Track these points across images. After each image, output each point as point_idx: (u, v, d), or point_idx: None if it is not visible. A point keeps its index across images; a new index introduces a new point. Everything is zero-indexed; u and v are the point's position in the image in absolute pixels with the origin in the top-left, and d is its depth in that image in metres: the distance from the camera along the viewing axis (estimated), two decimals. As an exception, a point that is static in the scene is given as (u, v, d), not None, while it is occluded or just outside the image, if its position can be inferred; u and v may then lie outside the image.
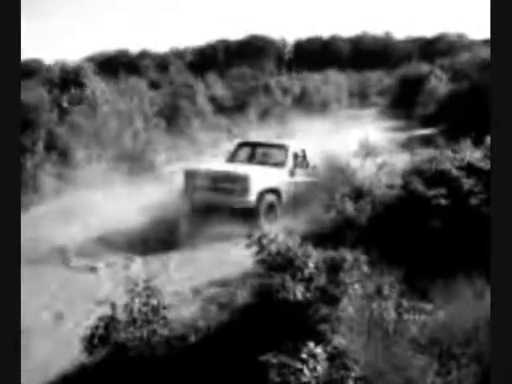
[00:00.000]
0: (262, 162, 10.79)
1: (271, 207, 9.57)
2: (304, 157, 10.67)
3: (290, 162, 10.27)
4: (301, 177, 10.23)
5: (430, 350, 4.27)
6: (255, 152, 11.35)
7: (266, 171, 10.03)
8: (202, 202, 9.66)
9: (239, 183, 9.29)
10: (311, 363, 4.03)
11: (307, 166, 10.54)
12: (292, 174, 10.18)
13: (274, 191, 9.71)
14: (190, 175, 9.95)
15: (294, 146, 10.81)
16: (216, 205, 9.32)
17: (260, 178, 9.50)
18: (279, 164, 10.33)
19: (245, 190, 9.18)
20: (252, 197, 9.21)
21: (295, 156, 10.46)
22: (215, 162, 11.01)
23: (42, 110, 12.87)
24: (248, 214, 9.11)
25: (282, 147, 10.78)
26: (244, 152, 11.47)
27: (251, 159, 11.15)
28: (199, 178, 9.77)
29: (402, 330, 4.62)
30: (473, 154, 7.47)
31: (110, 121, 13.75)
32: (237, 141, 12.57)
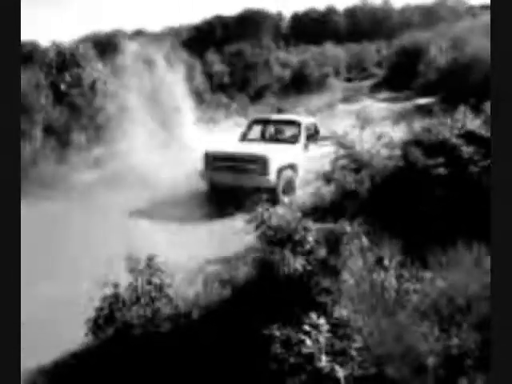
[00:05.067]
0: (276, 139, 11.13)
1: (289, 182, 9.90)
2: (316, 131, 11.04)
3: (303, 138, 10.58)
4: (313, 150, 10.47)
5: (431, 317, 4.31)
6: (268, 128, 11.65)
7: (282, 149, 10.35)
8: (221, 182, 10.01)
9: (259, 164, 9.59)
10: (314, 334, 4.08)
11: (318, 139, 10.83)
12: (306, 148, 10.49)
13: (291, 166, 10.01)
14: (209, 156, 10.18)
15: (305, 120, 11.19)
16: (236, 184, 9.61)
17: (278, 157, 9.81)
18: (293, 140, 10.68)
19: (265, 170, 9.50)
20: (272, 176, 9.53)
21: (307, 130, 10.78)
22: (233, 143, 11.21)
23: (40, 93, 12.79)
24: (267, 191, 9.13)
25: (294, 123, 11.08)
26: (257, 128, 11.81)
27: (265, 136, 11.50)
28: (218, 159, 10.11)
29: (403, 299, 4.67)
30: (472, 121, 7.41)
31: (108, 102, 13.66)
32: (251, 118, 12.90)
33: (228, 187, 9.82)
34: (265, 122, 11.89)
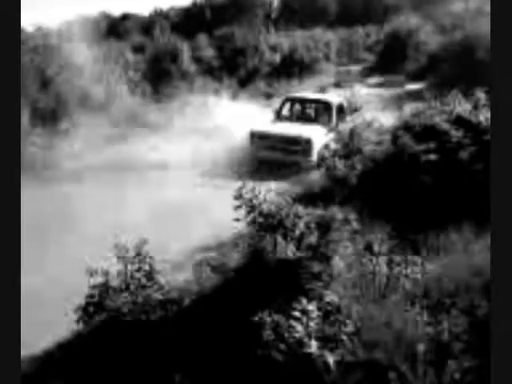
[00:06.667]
0: (310, 119, 11.81)
1: (323, 159, 10.30)
2: (342, 110, 11.55)
3: (334, 118, 11.22)
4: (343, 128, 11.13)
5: (421, 301, 4.34)
6: (301, 107, 12.40)
7: (320, 130, 10.89)
8: (265, 158, 10.64)
9: (303, 145, 10.40)
10: (304, 320, 4.09)
11: (345, 118, 11.38)
12: (336, 127, 10.83)
13: (326, 146, 10.37)
14: (254, 135, 10.92)
15: (335, 100, 11.78)
16: (279, 162, 10.33)
17: (319, 139, 10.53)
18: (327, 120, 11.25)
19: (309, 151, 10.33)
20: (315, 156, 10.32)
21: (338, 110, 11.37)
22: (272, 122, 11.75)
23: (26, 79, 12.55)
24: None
25: (326, 103, 11.74)
26: (288, 107, 12.39)
27: (298, 115, 12.17)
28: (264, 138, 10.83)
29: (394, 283, 4.69)
30: (462, 106, 7.41)
31: (94, 87, 13.47)
32: (283, 96, 13.40)
33: (271, 162, 10.50)
34: (298, 101, 12.51)
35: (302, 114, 12.30)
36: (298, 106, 12.49)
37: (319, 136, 10.62)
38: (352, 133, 8.18)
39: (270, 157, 10.62)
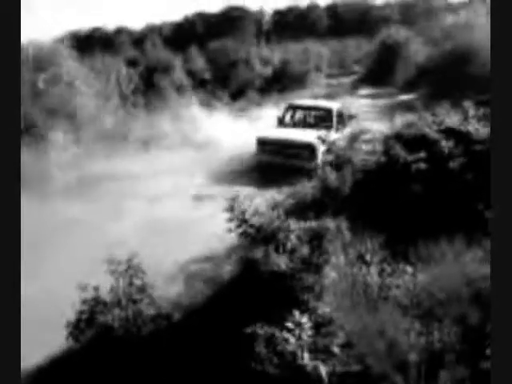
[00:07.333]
0: (312, 124, 12.28)
1: (326, 163, 10.43)
2: (342, 116, 12.08)
3: (335, 123, 11.74)
4: (341, 133, 11.36)
5: (413, 311, 4.34)
6: (303, 114, 12.96)
7: (322, 136, 10.90)
8: (269, 162, 11.17)
9: (308, 150, 10.86)
10: (297, 332, 4.08)
11: (344, 122, 11.99)
12: (337, 132, 11.34)
13: (328, 150, 10.54)
14: (261, 142, 11.41)
15: (335, 106, 12.36)
16: (284, 166, 10.71)
17: (321, 144, 10.54)
18: (328, 126, 11.64)
19: (313, 156, 10.72)
20: (319, 160, 10.50)
21: (338, 117, 11.93)
22: (277, 129, 12.25)
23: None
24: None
25: (327, 110, 12.28)
26: (290, 113, 12.89)
27: (302, 121, 12.72)
28: (270, 144, 11.31)
29: (385, 293, 4.69)
30: (451, 117, 7.48)
31: (87, 101, 13.47)
32: (286, 103, 13.86)
33: (273, 166, 11.01)
34: (300, 108, 13.08)
35: (304, 120, 12.85)
36: (300, 113, 13.01)
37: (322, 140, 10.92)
38: (351, 140, 8.31)
39: (275, 161, 11.09)
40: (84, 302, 4.61)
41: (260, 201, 7.67)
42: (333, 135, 11.21)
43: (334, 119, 11.83)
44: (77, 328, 4.58)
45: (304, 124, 12.51)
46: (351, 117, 12.47)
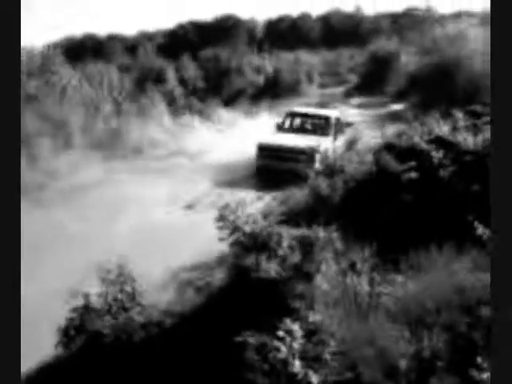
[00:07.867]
0: (310, 131, 12.73)
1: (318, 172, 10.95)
2: (339, 123, 12.55)
3: (332, 131, 12.20)
4: (339, 140, 12.01)
5: (402, 319, 4.36)
6: (302, 120, 13.36)
7: (321, 141, 11.49)
8: (269, 167, 11.52)
9: (307, 156, 11.12)
10: (288, 340, 4.08)
11: (342, 130, 12.51)
12: (334, 139, 11.93)
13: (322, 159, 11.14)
14: (261, 148, 11.71)
15: (333, 114, 12.94)
16: (283, 171, 10.95)
17: (320, 149, 11.00)
18: (326, 132, 12.16)
19: (312, 161, 10.88)
20: (317, 164, 10.43)
21: (336, 124, 12.39)
22: (275, 134, 12.61)
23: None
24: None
25: (325, 117, 12.84)
26: (289, 120, 13.33)
27: (300, 127, 13.14)
28: (270, 150, 11.63)
29: (376, 302, 4.71)
30: (440, 127, 7.57)
31: (79, 108, 13.45)
32: (286, 110, 14.33)
33: (272, 171, 11.36)
34: (299, 115, 13.51)
35: (302, 126, 13.22)
36: (298, 120, 13.40)
37: (321, 147, 11.18)
38: (346, 149, 8.43)
39: (276, 166, 11.39)
40: (74, 309, 4.59)
41: (258, 206, 7.77)
42: (331, 142, 11.74)
43: (332, 127, 12.26)
44: (66, 335, 4.55)
45: (303, 131, 12.89)
46: (348, 124, 13.00)
